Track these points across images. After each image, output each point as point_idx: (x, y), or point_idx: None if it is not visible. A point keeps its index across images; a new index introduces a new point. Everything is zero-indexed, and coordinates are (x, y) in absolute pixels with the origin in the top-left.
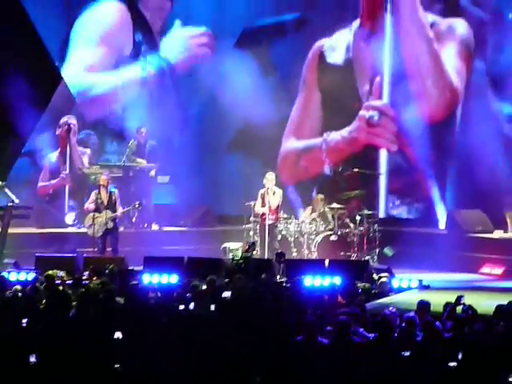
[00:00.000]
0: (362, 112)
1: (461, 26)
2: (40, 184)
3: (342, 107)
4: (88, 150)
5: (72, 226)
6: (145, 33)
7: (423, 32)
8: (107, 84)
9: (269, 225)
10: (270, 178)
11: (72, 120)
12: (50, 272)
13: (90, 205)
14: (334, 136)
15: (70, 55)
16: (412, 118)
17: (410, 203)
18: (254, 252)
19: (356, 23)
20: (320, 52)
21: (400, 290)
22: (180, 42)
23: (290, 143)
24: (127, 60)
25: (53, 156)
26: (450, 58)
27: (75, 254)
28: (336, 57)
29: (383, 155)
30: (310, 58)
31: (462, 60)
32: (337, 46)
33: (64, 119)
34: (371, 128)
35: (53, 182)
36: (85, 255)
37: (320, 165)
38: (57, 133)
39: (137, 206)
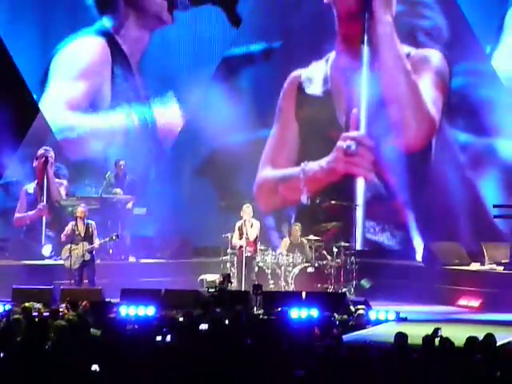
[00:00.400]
0: (339, 143)
1: (435, 56)
2: (17, 215)
3: (322, 137)
4: (65, 182)
5: (49, 258)
6: (123, 66)
7: (401, 64)
8: (89, 127)
9: (246, 257)
10: (247, 210)
11: (49, 152)
12: (27, 304)
13: (66, 232)
14: (312, 166)
15: (49, 90)
16: (390, 148)
17: (387, 230)
18: (230, 284)
19: (332, 54)
20: (298, 82)
21: (377, 323)
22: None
23: (267, 172)
24: (106, 97)
25: (30, 187)
26: (427, 89)
27: (52, 286)
28: (314, 88)
29: (360, 184)
30: (286, 88)
31: (438, 90)
32: (313, 77)
33: (41, 151)
34: (349, 157)
35: (30, 213)
36: (62, 287)
37: (298, 193)
38: (34, 165)
39: (114, 237)
